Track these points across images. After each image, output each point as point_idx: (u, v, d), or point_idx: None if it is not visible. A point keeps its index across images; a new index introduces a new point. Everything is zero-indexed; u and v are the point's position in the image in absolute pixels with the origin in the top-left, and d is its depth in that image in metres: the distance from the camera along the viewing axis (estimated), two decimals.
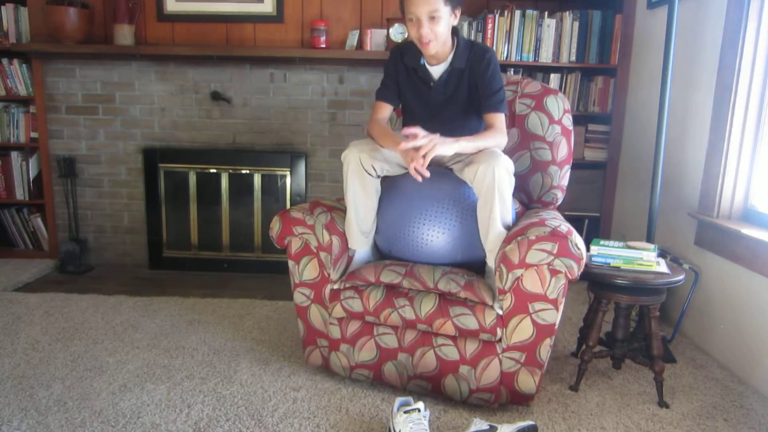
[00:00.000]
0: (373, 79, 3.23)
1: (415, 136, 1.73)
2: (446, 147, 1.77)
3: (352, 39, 3.13)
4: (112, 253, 3.48)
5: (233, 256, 3.40)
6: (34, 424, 1.74)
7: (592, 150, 3.35)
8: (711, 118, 2.38)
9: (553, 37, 3.22)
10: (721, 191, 2.33)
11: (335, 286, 1.96)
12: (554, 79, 3.28)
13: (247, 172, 3.32)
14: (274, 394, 1.95)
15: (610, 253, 1.98)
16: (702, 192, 2.44)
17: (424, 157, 1.73)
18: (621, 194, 3.28)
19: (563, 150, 2.22)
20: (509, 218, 1.88)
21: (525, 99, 2.27)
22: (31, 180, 3.40)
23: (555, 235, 1.70)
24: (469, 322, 1.79)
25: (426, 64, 1.99)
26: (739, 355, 2.20)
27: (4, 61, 3.26)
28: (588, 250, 2.01)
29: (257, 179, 3.32)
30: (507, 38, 3.22)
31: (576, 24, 3.20)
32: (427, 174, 1.75)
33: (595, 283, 2.03)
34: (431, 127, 1.89)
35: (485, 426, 1.65)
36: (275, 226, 2.00)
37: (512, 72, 3.29)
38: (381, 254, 2.14)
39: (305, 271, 1.99)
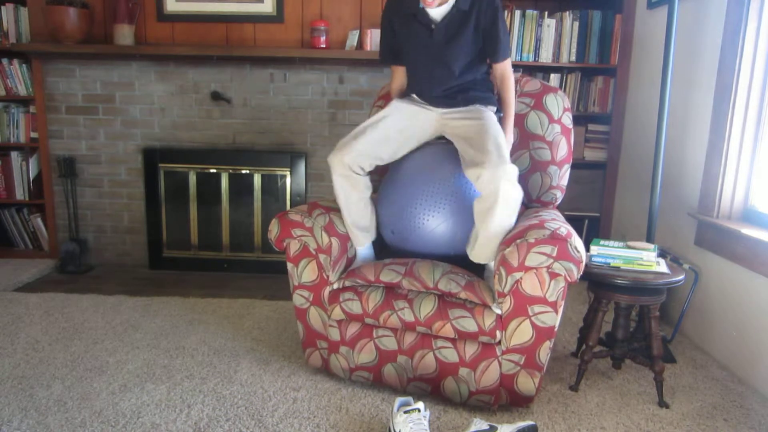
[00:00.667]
0: (373, 79, 3.23)
1: None
2: (510, 140, 1.97)
3: (352, 39, 3.13)
4: (112, 253, 3.48)
5: (233, 256, 3.40)
6: (34, 424, 1.74)
7: (592, 150, 3.35)
8: (711, 118, 2.38)
9: (553, 37, 3.22)
10: (721, 191, 2.33)
11: (334, 286, 1.96)
12: (554, 79, 3.28)
13: (247, 172, 3.32)
14: (274, 394, 1.95)
15: (610, 253, 1.98)
16: (702, 192, 2.44)
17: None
18: (621, 194, 3.28)
19: (563, 149, 2.21)
20: (506, 227, 1.83)
21: (524, 98, 2.25)
22: (31, 180, 3.40)
23: (554, 238, 1.70)
24: (469, 324, 1.79)
25: (426, 8, 1.93)
26: (739, 355, 2.20)
27: (4, 61, 3.27)
28: (588, 250, 2.02)
29: (257, 179, 3.32)
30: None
31: (576, 24, 3.20)
32: None
33: (595, 283, 2.03)
34: (432, 72, 1.93)
35: (485, 426, 1.65)
36: (274, 228, 2.00)
37: None
38: (382, 243, 2.13)
39: (304, 273, 1.99)
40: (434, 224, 1.97)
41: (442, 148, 2.09)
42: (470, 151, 1.89)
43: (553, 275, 1.72)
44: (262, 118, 3.32)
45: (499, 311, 1.78)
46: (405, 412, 1.65)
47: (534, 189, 2.22)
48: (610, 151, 3.30)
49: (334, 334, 1.98)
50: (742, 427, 1.84)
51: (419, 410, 1.66)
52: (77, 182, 3.39)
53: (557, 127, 2.20)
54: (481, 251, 1.88)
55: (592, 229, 3.36)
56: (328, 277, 1.96)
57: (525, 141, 2.23)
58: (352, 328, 1.95)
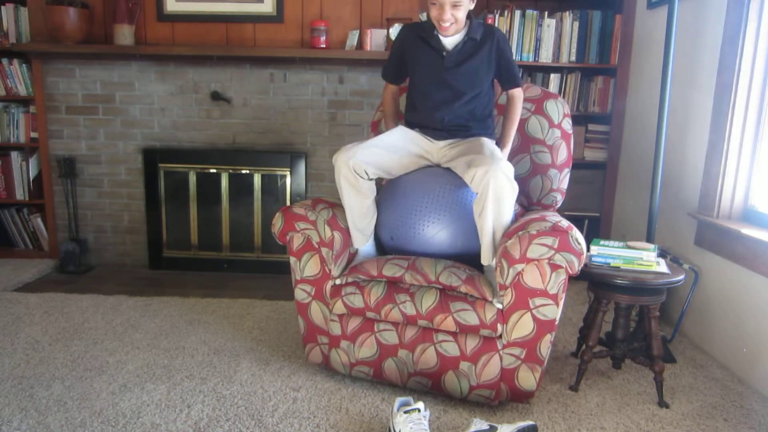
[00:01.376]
0: (373, 79, 3.23)
1: None
2: (505, 161, 1.91)
3: (352, 39, 3.13)
4: (112, 253, 3.48)
5: (233, 256, 3.40)
6: (34, 424, 1.74)
7: (592, 150, 3.35)
8: (711, 118, 2.38)
9: (553, 37, 3.22)
10: (721, 191, 2.33)
11: (337, 282, 1.97)
12: (554, 79, 3.28)
13: (247, 172, 3.32)
14: (274, 394, 1.96)
15: (610, 253, 1.98)
16: (702, 192, 2.44)
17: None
18: (621, 194, 3.28)
19: (563, 153, 2.23)
20: (504, 223, 1.86)
21: (525, 103, 2.28)
22: (31, 180, 3.40)
23: (555, 230, 1.71)
24: (470, 317, 1.79)
25: (439, 35, 2.05)
26: (739, 355, 2.20)
27: (4, 61, 3.27)
28: (588, 250, 2.02)
29: (257, 179, 3.32)
30: (507, 38, 3.21)
31: (576, 24, 3.20)
32: None
33: (595, 283, 2.03)
34: (439, 96, 2.07)
35: (485, 426, 1.65)
36: (277, 222, 2.01)
37: None
38: (383, 249, 2.14)
39: (306, 267, 2.00)
40: (433, 232, 1.98)
41: (439, 169, 2.14)
42: (466, 158, 1.96)
43: (555, 267, 1.73)
44: (262, 118, 3.32)
45: (499, 305, 1.79)
46: (405, 412, 1.65)
47: (534, 192, 2.24)
48: (610, 151, 3.30)
49: (335, 329, 1.98)
50: (742, 427, 1.84)
51: (419, 410, 1.66)
52: (77, 182, 3.39)
53: (557, 132, 2.23)
54: (485, 252, 1.90)
55: (592, 229, 3.36)
56: (330, 271, 1.97)
57: (526, 145, 2.25)
58: (354, 323, 1.95)
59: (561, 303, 1.76)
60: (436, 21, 1.98)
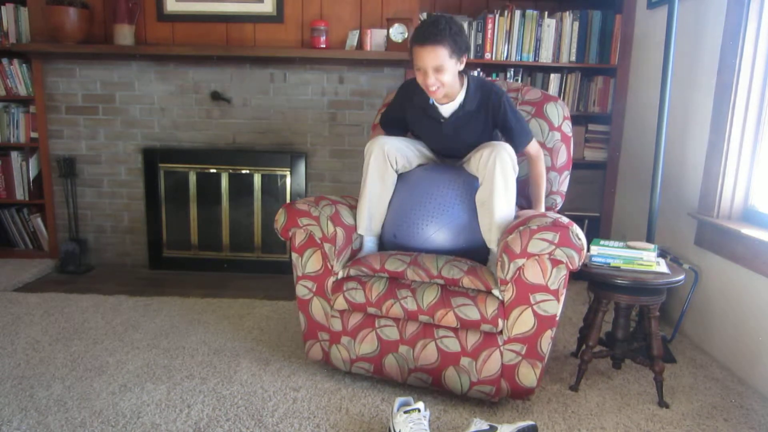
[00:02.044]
0: (373, 79, 3.23)
1: None
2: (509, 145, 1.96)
3: (352, 39, 3.13)
4: (112, 253, 3.47)
5: (233, 256, 3.40)
6: (34, 424, 1.74)
7: (592, 150, 3.35)
8: (711, 118, 2.38)
9: (553, 37, 3.22)
10: (721, 191, 2.33)
11: (339, 275, 1.97)
12: (554, 79, 3.28)
13: (247, 172, 3.32)
14: (274, 394, 1.96)
15: (610, 253, 1.98)
16: (702, 192, 2.44)
17: None
18: (621, 194, 3.28)
19: (563, 156, 2.25)
20: (511, 205, 1.94)
21: (525, 106, 2.31)
22: (31, 180, 3.40)
23: (556, 225, 1.73)
24: (471, 312, 1.79)
25: (435, 104, 2.04)
26: (739, 355, 2.20)
27: (4, 61, 3.26)
28: (588, 250, 2.02)
29: (257, 179, 3.32)
30: (507, 38, 3.22)
31: (576, 24, 3.20)
32: None
33: (595, 283, 2.03)
34: (444, 151, 2.18)
35: (485, 426, 1.65)
36: (280, 218, 2.02)
37: (512, 72, 3.29)
38: (385, 246, 2.16)
39: (308, 263, 2.00)
40: (435, 229, 2.00)
41: (447, 165, 2.20)
42: (475, 153, 2.03)
43: (555, 262, 1.73)
44: (262, 118, 3.32)
45: (500, 296, 1.80)
46: (405, 412, 1.65)
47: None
48: (610, 151, 3.30)
49: (336, 325, 1.99)
50: (742, 427, 1.84)
51: (419, 410, 1.66)
52: (77, 182, 3.39)
53: (557, 135, 2.25)
54: (494, 234, 1.93)
55: (592, 229, 3.36)
56: (332, 266, 1.98)
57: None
58: (354, 318, 1.96)
59: (562, 299, 1.77)
60: (423, 87, 1.94)
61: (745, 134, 2.28)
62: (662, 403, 1.95)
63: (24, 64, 3.28)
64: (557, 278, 1.74)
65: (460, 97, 2.01)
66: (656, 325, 1.97)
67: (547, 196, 2.24)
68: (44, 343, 2.32)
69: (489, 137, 2.08)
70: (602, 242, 2.03)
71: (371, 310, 1.91)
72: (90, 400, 1.89)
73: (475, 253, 2.01)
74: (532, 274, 1.75)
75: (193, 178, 3.33)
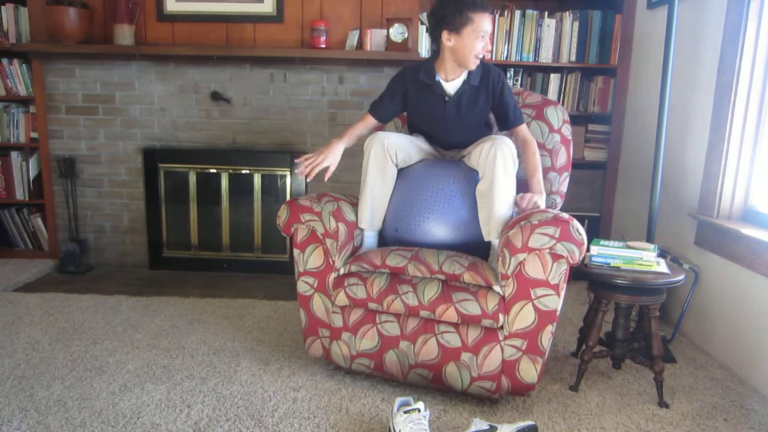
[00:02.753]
0: (373, 79, 3.23)
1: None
2: (541, 200, 1.98)
3: (352, 39, 3.13)
4: (112, 253, 3.47)
5: (233, 256, 3.40)
6: (34, 424, 1.74)
7: (592, 150, 3.35)
8: (711, 118, 2.38)
9: (553, 37, 3.22)
10: (721, 191, 2.33)
11: (341, 271, 1.98)
12: (554, 79, 3.28)
13: (247, 172, 3.32)
14: (274, 394, 1.96)
15: (610, 253, 1.98)
16: (702, 192, 2.44)
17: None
18: (621, 194, 3.28)
19: (562, 158, 2.28)
20: (511, 199, 1.95)
21: (526, 109, 2.33)
22: (31, 180, 3.40)
23: (557, 220, 1.74)
24: (472, 307, 1.80)
25: (441, 81, 2.09)
26: (739, 355, 2.20)
27: (4, 61, 3.27)
28: (588, 250, 2.02)
29: (257, 179, 3.32)
30: (507, 38, 3.22)
31: (576, 24, 3.20)
32: None
33: (595, 283, 2.03)
34: (443, 134, 2.18)
35: (485, 426, 1.65)
36: (282, 214, 2.03)
37: (512, 72, 3.30)
38: (386, 240, 2.17)
39: (310, 259, 2.01)
40: (433, 224, 2.02)
41: (448, 160, 2.23)
42: (474, 147, 2.06)
43: (556, 257, 1.74)
44: (262, 118, 3.32)
45: (501, 291, 1.80)
46: (405, 412, 1.65)
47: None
48: (610, 151, 3.30)
49: (337, 321, 1.99)
50: (742, 427, 1.84)
51: (419, 410, 1.66)
52: (77, 182, 3.39)
53: (557, 137, 2.28)
54: (494, 226, 1.95)
55: (592, 229, 3.36)
56: (334, 262, 1.98)
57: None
58: (355, 314, 1.96)
59: (562, 294, 1.78)
60: (477, 55, 2.00)
61: (745, 134, 2.28)
62: (662, 403, 1.95)
63: (24, 64, 3.28)
64: (558, 273, 1.75)
65: (464, 74, 2.08)
66: (656, 325, 1.96)
67: (547, 196, 2.25)
68: (44, 343, 2.32)
69: (486, 114, 2.16)
70: (602, 242, 2.03)
71: (372, 305, 1.91)
72: (90, 400, 1.89)
73: (477, 248, 2.03)
74: (533, 268, 1.76)
75: (193, 178, 3.33)
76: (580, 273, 2.01)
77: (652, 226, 2.41)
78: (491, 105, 2.13)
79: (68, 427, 1.73)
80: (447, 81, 2.09)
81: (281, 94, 3.28)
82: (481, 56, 2.02)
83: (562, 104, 3.31)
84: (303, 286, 2.04)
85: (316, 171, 2.03)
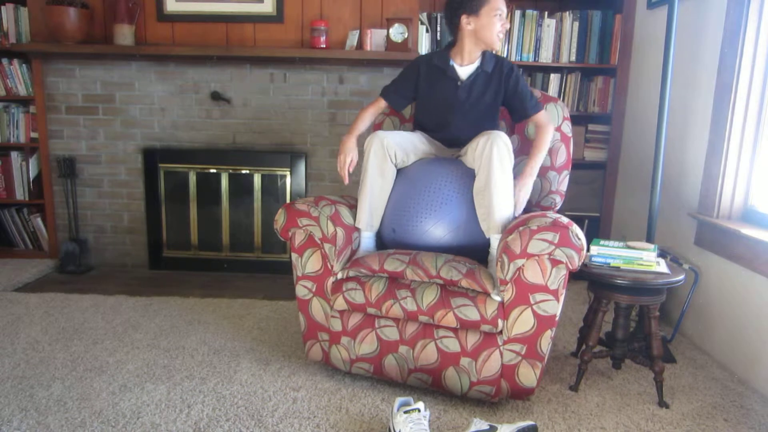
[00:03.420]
0: (373, 79, 3.23)
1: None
2: (528, 185, 2.03)
3: (352, 39, 3.13)
4: (112, 253, 3.47)
5: (233, 256, 3.40)
6: (34, 424, 1.74)
7: (592, 150, 3.35)
8: (711, 118, 2.38)
9: (553, 37, 3.22)
10: (721, 191, 2.33)
11: (339, 276, 1.97)
12: (554, 79, 3.28)
13: (247, 172, 3.32)
14: (274, 394, 1.96)
15: (610, 253, 1.98)
16: (702, 192, 2.44)
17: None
18: (621, 194, 3.28)
19: (562, 156, 2.26)
20: (509, 193, 1.95)
21: None
22: (31, 180, 3.40)
23: (556, 225, 1.73)
24: (471, 312, 1.79)
25: (455, 65, 2.15)
26: (739, 355, 2.20)
27: (4, 61, 3.27)
28: (588, 250, 2.02)
29: (257, 179, 3.32)
30: (507, 38, 3.22)
31: (576, 24, 3.20)
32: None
33: (595, 283, 2.03)
34: (450, 121, 2.18)
35: (485, 426, 1.65)
36: (280, 218, 2.02)
37: None
38: (383, 241, 2.17)
39: (308, 263, 2.00)
40: (430, 224, 2.02)
41: (446, 159, 2.22)
42: (471, 144, 2.07)
43: (555, 263, 1.73)
44: (262, 118, 3.32)
45: (498, 298, 1.80)
46: (405, 412, 1.65)
47: (534, 194, 2.25)
48: (610, 151, 3.30)
49: (336, 325, 1.99)
50: (742, 427, 1.84)
51: (419, 410, 1.66)
52: (77, 182, 3.39)
53: (557, 135, 2.26)
54: (494, 223, 1.95)
55: (592, 229, 3.36)
56: (332, 267, 1.98)
57: (525, 147, 2.26)
58: (354, 319, 1.96)
59: (561, 299, 1.77)
60: (497, 34, 2.08)
61: (745, 134, 2.28)
62: (662, 403, 1.95)
63: (24, 64, 3.28)
64: (557, 278, 1.75)
65: (478, 61, 2.15)
66: (656, 325, 1.96)
67: (546, 196, 2.25)
68: (44, 343, 2.32)
69: (498, 106, 2.19)
70: (602, 242, 2.03)
71: (371, 310, 1.91)
72: (90, 400, 1.89)
73: (475, 248, 2.02)
74: (532, 274, 1.75)
75: (193, 178, 3.33)
76: (580, 273, 2.01)
77: (652, 226, 2.41)
78: (503, 95, 2.15)
79: (68, 427, 1.73)
80: (461, 66, 2.15)
81: (281, 94, 3.28)
82: (501, 36, 2.09)
83: None
84: (302, 290, 2.04)
85: (350, 170, 2.13)
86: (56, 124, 3.33)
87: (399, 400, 1.74)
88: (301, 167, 3.31)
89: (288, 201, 3.36)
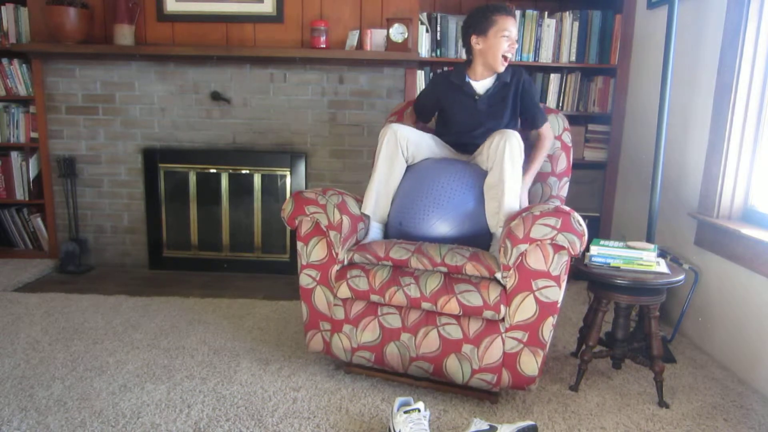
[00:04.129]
0: (373, 79, 3.23)
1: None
2: (525, 191, 2.11)
3: (352, 39, 3.13)
4: (112, 253, 3.47)
5: (233, 256, 3.40)
6: (34, 424, 1.74)
7: (592, 150, 3.35)
8: (711, 118, 2.38)
9: (553, 37, 3.22)
10: (721, 191, 2.33)
11: (343, 259, 1.99)
12: (554, 79, 3.28)
13: (247, 172, 3.32)
14: (274, 394, 1.96)
15: (610, 253, 1.98)
16: (702, 192, 2.44)
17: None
18: (621, 194, 3.28)
19: (562, 163, 2.32)
20: (518, 191, 2.00)
21: None
22: (31, 180, 3.40)
23: (559, 211, 1.76)
24: (474, 298, 1.81)
25: (471, 81, 2.25)
26: (739, 355, 2.20)
27: (4, 61, 3.27)
28: (588, 250, 2.02)
29: (257, 179, 3.32)
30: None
31: (576, 24, 3.20)
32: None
33: (595, 283, 2.03)
34: (471, 132, 2.25)
35: (485, 426, 1.65)
36: (287, 206, 2.04)
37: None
38: (390, 235, 2.20)
39: (313, 252, 2.02)
40: (437, 218, 2.04)
41: (455, 159, 2.27)
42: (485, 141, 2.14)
43: (557, 248, 1.75)
44: (262, 118, 3.32)
45: (503, 282, 1.82)
46: (405, 412, 1.65)
47: (535, 198, 2.30)
48: (610, 151, 3.30)
49: (339, 313, 2.00)
50: (742, 427, 1.84)
51: (419, 410, 1.66)
52: (77, 182, 3.39)
53: (557, 143, 2.33)
54: (503, 216, 1.98)
55: (592, 229, 3.36)
56: (337, 254, 1.99)
57: (527, 149, 2.29)
58: (357, 307, 1.97)
59: (563, 285, 1.79)
60: (503, 54, 2.16)
61: (745, 134, 2.28)
62: (662, 403, 1.95)
63: (24, 64, 3.28)
64: (559, 264, 1.76)
65: (494, 76, 2.24)
66: (656, 325, 1.97)
67: (546, 200, 2.27)
68: (44, 343, 2.32)
69: (516, 113, 2.26)
70: (602, 242, 2.03)
71: (374, 297, 1.92)
72: (90, 400, 1.89)
73: (479, 241, 2.06)
74: (534, 259, 1.77)
75: (193, 178, 3.33)
76: (580, 273, 2.01)
77: (652, 226, 2.41)
78: (519, 103, 2.24)
79: (68, 427, 1.73)
80: (476, 81, 2.24)
81: (281, 94, 3.28)
82: (508, 56, 2.16)
83: (562, 104, 3.31)
84: (305, 279, 2.05)
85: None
86: (56, 124, 3.33)
87: (399, 400, 1.74)
88: (301, 167, 3.31)
89: None
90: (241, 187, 3.34)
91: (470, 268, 1.85)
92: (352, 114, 3.29)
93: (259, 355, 2.25)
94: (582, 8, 3.20)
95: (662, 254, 2.45)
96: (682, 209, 2.59)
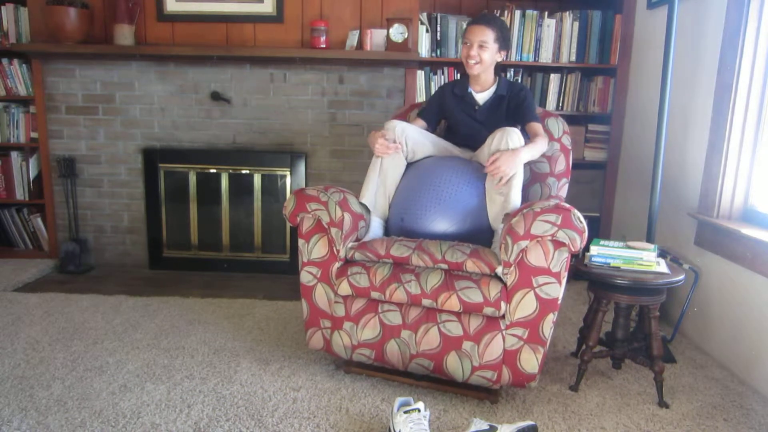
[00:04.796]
0: (373, 79, 3.23)
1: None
2: (518, 162, 2.06)
3: (352, 39, 3.13)
4: (112, 253, 3.47)
5: (233, 256, 3.40)
6: (34, 424, 1.74)
7: (592, 150, 3.35)
8: (711, 118, 2.38)
9: (553, 37, 3.22)
10: (721, 191, 2.33)
11: (342, 254, 1.99)
12: (554, 79, 3.28)
13: (247, 172, 3.32)
14: (274, 394, 1.96)
15: (610, 253, 1.98)
16: (702, 192, 2.44)
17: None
18: (621, 194, 3.28)
19: (561, 165, 2.33)
20: (521, 185, 2.04)
21: None
22: (31, 180, 3.40)
23: (559, 208, 1.77)
24: (474, 295, 1.81)
25: (472, 92, 2.32)
26: (739, 355, 2.20)
27: (4, 61, 3.27)
28: (588, 250, 2.02)
29: (257, 179, 3.32)
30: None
31: (576, 24, 3.20)
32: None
33: (595, 283, 2.03)
34: (472, 137, 2.32)
35: (485, 426, 1.65)
36: (289, 203, 2.05)
37: (512, 72, 3.29)
38: (392, 231, 2.20)
39: (314, 249, 2.02)
40: (438, 214, 2.05)
41: (457, 156, 2.31)
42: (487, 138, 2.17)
43: (557, 245, 1.76)
44: (262, 118, 3.32)
45: (503, 278, 1.82)
46: (405, 412, 1.65)
47: (534, 198, 2.29)
48: (610, 151, 3.30)
49: (339, 310, 2.00)
50: (742, 427, 1.84)
51: (419, 410, 1.66)
52: (77, 182, 3.39)
53: (557, 145, 2.34)
54: (501, 213, 2.02)
55: (592, 229, 3.36)
56: (338, 252, 1.99)
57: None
58: (358, 304, 1.97)
59: (563, 282, 1.79)
60: (464, 59, 2.24)
61: (745, 134, 2.28)
62: (662, 403, 1.95)
63: (24, 64, 3.28)
64: (559, 261, 1.77)
65: (494, 87, 2.32)
66: (656, 325, 1.97)
67: (546, 199, 2.27)
68: (44, 343, 2.32)
69: (512, 124, 2.26)
70: (602, 242, 2.03)
71: (375, 294, 1.92)
72: (90, 400, 1.89)
73: (480, 237, 2.07)
74: (535, 256, 1.78)
75: (193, 178, 3.33)
76: (580, 273, 2.01)
77: (652, 226, 2.41)
78: (514, 111, 2.29)
79: (68, 427, 1.73)
80: (477, 92, 2.32)
81: (281, 94, 3.28)
82: (471, 61, 2.21)
83: (562, 104, 3.31)
84: (306, 276, 2.05)
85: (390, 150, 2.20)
86: (56, 124, 3.33)
87: (399, 400, 1.74)
88: (301, 167, 3.31)
89: None
90: (241, 187, 3.34)
91: (471, 265, 1.85)
92: (352, 114, 3.29)
93: (259, 355, 2.25)
94: (582, 8, 3.20)
95: (662, 254, 2.45)
96: (682, 209, 2.59)
